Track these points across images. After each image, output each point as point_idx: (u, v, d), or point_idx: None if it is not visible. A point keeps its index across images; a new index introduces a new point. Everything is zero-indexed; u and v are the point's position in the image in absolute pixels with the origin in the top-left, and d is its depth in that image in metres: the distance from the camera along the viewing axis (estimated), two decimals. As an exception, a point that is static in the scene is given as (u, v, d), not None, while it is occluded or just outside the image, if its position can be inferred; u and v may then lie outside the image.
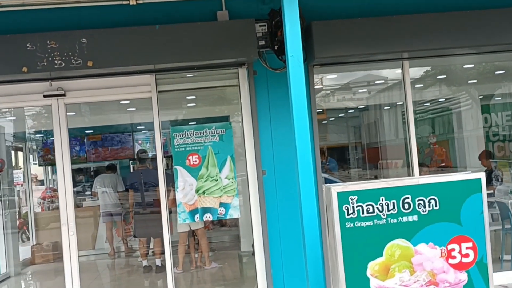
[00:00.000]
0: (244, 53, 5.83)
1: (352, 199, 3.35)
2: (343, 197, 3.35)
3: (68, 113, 9.87)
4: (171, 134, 6.27)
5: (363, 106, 11.73)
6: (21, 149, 10.77)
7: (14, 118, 9.86)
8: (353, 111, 12.20)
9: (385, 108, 11.16)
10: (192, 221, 6.33)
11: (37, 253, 10.27)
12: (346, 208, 3.35)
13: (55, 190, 11.19)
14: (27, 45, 5.57)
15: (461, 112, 10.30)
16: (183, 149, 6.25)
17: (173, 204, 6.44)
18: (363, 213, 3.37)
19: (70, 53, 5.63)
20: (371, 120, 12.25)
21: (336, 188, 3.36)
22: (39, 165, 11.00)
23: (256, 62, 6.14)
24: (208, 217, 6.23)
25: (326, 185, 3.53)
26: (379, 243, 3.37)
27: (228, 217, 6.27)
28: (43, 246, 10.29)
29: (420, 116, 10.45)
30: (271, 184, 6.21)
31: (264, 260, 6.17)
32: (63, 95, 6.07)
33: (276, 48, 6.09)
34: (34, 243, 10.51)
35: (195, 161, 6.24)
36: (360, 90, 10.47)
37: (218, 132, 6.29)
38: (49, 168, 12.01)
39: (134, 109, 9.23)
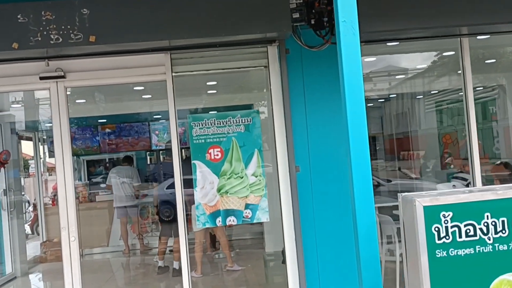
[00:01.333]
0: (275, 27, 4.74)
1: (445, 217, 2.27)
2: (432, 214, 2.26)
3: (78, 100, 8.97)
4: (188, 124, 5.22)
5: (387, 96, 10.67)
6: (31, 139, 9.85)
7: (24, 105, 8.96)
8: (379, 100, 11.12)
9: (408, 98, 10.14)
10: (213, 225, 5.30)
11: (47, 250, 9.40)
12: (437, 229, 2.27)
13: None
14: (18, 16, 4.56)
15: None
16: (203, 141, 5.20)
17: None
18: (460, 236, 2.28)
19: (68, 27, 4.61)
20: (393, 111, 11.29)
21: (422, 200, 2.27)
22: (50, 156, 10.08)
23: (289, 38, 5.05)
24: (231, 221, 5.19)
25: (404, 194, 2.44)
26: (483, 278, 2.29)
27: (255, 221, 5.22)
28: (53, 243, 9.41)
29: (454, 105, 9.32)
30: (305, 182, 5.14)
31: (297, 269, 5.10)
32: (63, 77, 5.06)
33: (313, 22, 5.00)
34: (44, 239, 9.63)
35: (217, 155, 5.20)
36: (383, 80, 9.34)
37: (243, 121, 5.23)
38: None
39: (149, 96, 8.22)
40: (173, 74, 5.13)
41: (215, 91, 7.35)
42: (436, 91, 9.87)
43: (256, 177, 5.20)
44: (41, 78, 5.04)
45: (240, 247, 9.24)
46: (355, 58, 3.21)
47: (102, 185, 10.45)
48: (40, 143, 9.85)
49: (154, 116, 9.80)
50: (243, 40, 4.98)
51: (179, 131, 9.18)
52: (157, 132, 9.89)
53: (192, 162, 5.20)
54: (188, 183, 5.28)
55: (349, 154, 3.15)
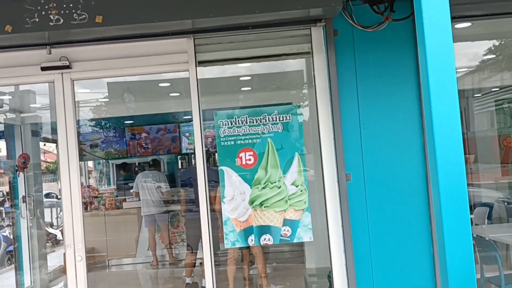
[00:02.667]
0: (321, 1, 3.75)
1: None
2: None
3: (101, 99, 8.20)
4: (215, 122, 4.28)
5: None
6: (54, 142, 9.11)
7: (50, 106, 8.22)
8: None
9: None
10: (244, 245, 4.32)
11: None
12: None
13: (95, 190, 9.57)
14: (11, -7, 3.75)
15: None
16: (232, 142, 4.25)
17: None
18: None
19: (71, 5, 3.74)
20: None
21: None
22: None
23: (338, 17, 4.04)
24: (267, 240, 4.21)
25: None
26: None
27: (295, 240, 4.21)
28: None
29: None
30: (358, 194, 4.11)
31: (346, 300, 4.08)
32: (68, 67, 4.20)
33: (368, -4, 4.01)
34: (68, 249, 8.86)
35: (249, 159, 4.23)
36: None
37: (281, 118, 4.24)
38: (89, 163, 10.41)
39: (177, 94, 7.34)
40: (197, 62, 4.20)
41: (248, 88, 6.36)
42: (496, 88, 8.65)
43: (296, 186, 4.21)
44: (42, 69, 4.19)
45: (278, 261, 8.24)
46: (444, 37, 2.21)
47: (130, 191, 9.64)
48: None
49: (184, 117, 8.92)
50: (281, 20, 4.00)
51: (209, 134, 8.16)
52: (187, 134, 9.01)
53: (219, 168, 4.25)
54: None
55: (434, 161, 2.13)
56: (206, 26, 4.05)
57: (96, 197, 9.11)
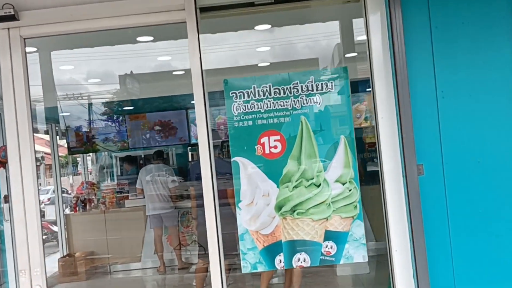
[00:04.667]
0: None
1: None
2: None
3: (93, 79, 6.90)
4: (225, 94, 2.91)
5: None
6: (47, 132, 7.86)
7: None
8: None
9: None
10: (270, 268, 2.92)
11: (66, 267, 7.38)
12: None
13: (94, 185, 8.26)
14: None
15: None
16: (250, 123, 2.88)
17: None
18: None
19: None
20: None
21: None
22: (69, 154, 8.07)
23: None
24: (302, 261, 2.84)
25: None
26: None
27: (343, 260, 2.84)
28: (75, 258, 7.39)
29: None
30: (435, 193, 2.71)
31: None
32: (14, 18, 2.85)
33: None
34: (64, 253, 7.61)
35: (275, 147, 2.86)
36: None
37: (320, 87, 2.86)
38: (88, 157, 9.14)
39: (183, 72, 5.99)
40: (197, 9, 2.83)
41: (267, 49, 4.83)
42: None
43: (343, 184, 2.83)
44: (-22, 22, 2.86)
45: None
46: None
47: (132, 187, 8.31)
48: (58, 137, 7.84)
49: (192, 102, 7.58)
50: None
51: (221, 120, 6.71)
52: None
53: (233, 160, 2.89)
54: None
55: None
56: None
57: (95, 194, 7.83)
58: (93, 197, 7.85)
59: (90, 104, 7.65)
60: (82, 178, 9.12)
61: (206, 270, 5.66)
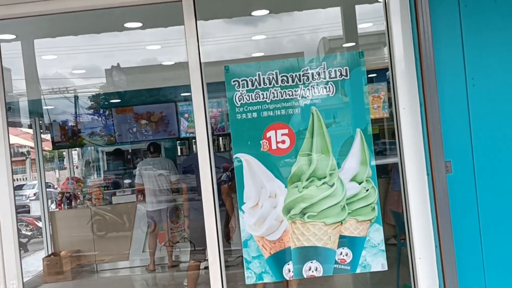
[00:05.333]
0: None
1: None
2: None
3: (78, 70, 6.48)
4: (226, 82, 2.53)
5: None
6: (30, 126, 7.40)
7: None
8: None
9: None
10: (278, 279, 2.56)
11: (51, 266, 6.97)
12: None
13: (79, 181, 7.82)
14: None
15: None
16: (255, 114, 2.51)
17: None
18: None
19: None
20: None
21: None
22: (53, 148, 7.60)
23: None
24: (313, 270, 2.49)
25: None
26: None
27: (359, 269, 2.50)
28: (61, 257, 6.98)
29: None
30: (464, 193, 2.39)
31: None
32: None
33: None
34: (49, 252, 7.18)
35: (282, 141, 2.50)
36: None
37: (333, 74, 2.51)
38: (74, 151, 8.69)
39: (172, 62, 5.59)
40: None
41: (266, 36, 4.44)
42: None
43: (360, 184, 2.49)
44: None
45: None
46: None
47: (124, 181, 7.88)
48: (42, 131, 7.38)
49: (182, 94, 7.15)
50: None
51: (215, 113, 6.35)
52: (186, 115, 7.25)
53: (235, 156, 2.52)
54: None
55: None
56: None
57: (81, 190, 7.40)
58: (79, 193, 7.44)
59: (76, 97, 7.21)
60: (67, 173, 8.68)
61: (198, 268, 5.29)
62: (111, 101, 7.16)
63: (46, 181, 13.83)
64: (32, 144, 10.29)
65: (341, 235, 2.48)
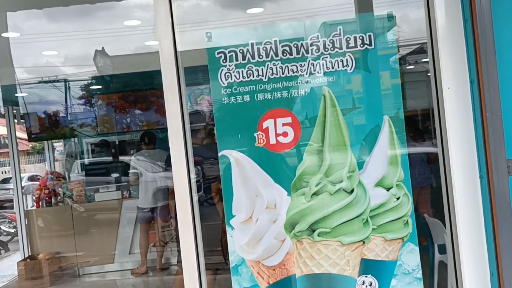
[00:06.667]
0: None
1: None
2: None
3: (47, 52, 5.83)
4: (208, 54, 1.86)
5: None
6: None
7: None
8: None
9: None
10: None
11: (28, 271, 6.33)
12: None
13: (60, 176, 7.19)
14: None
15: None
16: (247, 98, 1.85)
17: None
18: None
19: None
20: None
21: None
22: (29, 140, 6.93)
23: None
24: (327, 306, 1.85)
25: None
26: None
27: (388, 305, 1.86)
28: (39, 261, 6.35)
29: None
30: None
31: None
32: None
33: None
34: (25, 255, 6.53)
35: (284, 133, 1.85)
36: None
37: (353, 43, 1.85)
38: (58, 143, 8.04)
39: (156, 42, 4.92)
40: None
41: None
42: None
43: (388, 190, 1.84)
44: None
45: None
46: None
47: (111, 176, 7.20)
48: (17, 121, 6.71)
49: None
50: None
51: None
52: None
53: (220, 154, 1.86)
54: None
55: None
56: None
57: (61, 186, 6.75)
58: (59, 189, 6.79)
59: (51, 82, 6.55)
60: (47, 167, 8.01)
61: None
62: (95, 87, 6.50)
63: (35, 173, 13.12)
64: (19, 134, 9.63)
65: (364, 258, 1.82)
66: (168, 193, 6.08)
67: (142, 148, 6.25)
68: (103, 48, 6.31)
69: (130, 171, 6.10)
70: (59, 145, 9.61)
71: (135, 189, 6.64)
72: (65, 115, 6.81)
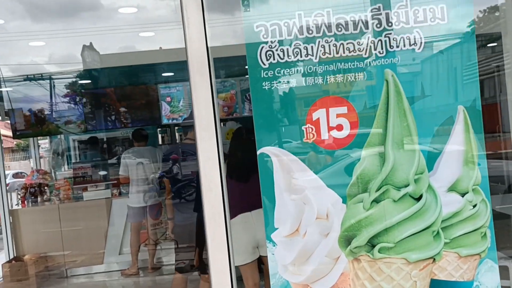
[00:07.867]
0: None
1: None
2: None
3: (34, 43, 5.34)
4: (245, 32, 1.45)
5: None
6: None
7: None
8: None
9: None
10: None
11: (13, 273, 5.85)
12: None
13: (47, 173, 6.71)
14: None
15: None
16: (293, 83, 1.46)
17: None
18: None
19: None
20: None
21: None
22: (14, 137, 6.41)
23: None
24: None
25: None
26: None
27: (464, 335, 1.50)
28: (25, 262, 5.88)
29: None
30: None
31: None
32: None
33: None
34: (10, 257, 6.03)
35: (338, 127, 1.46)
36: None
37: (421, 16, 1.47)
38: (39, 140, 7.51)
39: (153, 34, 4.48)
40: None
41: None
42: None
43: (463, 196, 1.47)
44: None
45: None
46: None
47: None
48: (1, 118, 6.21)
49: (163, 75, 6.02)
50: None
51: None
52: (168, 98, 6.13)
53: (259, 152, 1.46)
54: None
55: None
56: None
57: (47, 185, 6.27)
58: (46, 188, 6.31)
59: (36, 78, 6.05)
60: (33, 165, 7.49)
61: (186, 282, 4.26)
62: (83, 83, 6.02)
63: (20, 170, 12.48)
64: (4, 132, 9.10)
65: (434, 279, 1.45)
66: (159, 191, 5.67)
67: (134, 145, 5.81)
68: (91, 43, 5.94)
69: (121, 168, 5.64)
70: (43, 142, 9.09)
71: (125, 187, 6.20)
72: (50, 112, 6.32)
